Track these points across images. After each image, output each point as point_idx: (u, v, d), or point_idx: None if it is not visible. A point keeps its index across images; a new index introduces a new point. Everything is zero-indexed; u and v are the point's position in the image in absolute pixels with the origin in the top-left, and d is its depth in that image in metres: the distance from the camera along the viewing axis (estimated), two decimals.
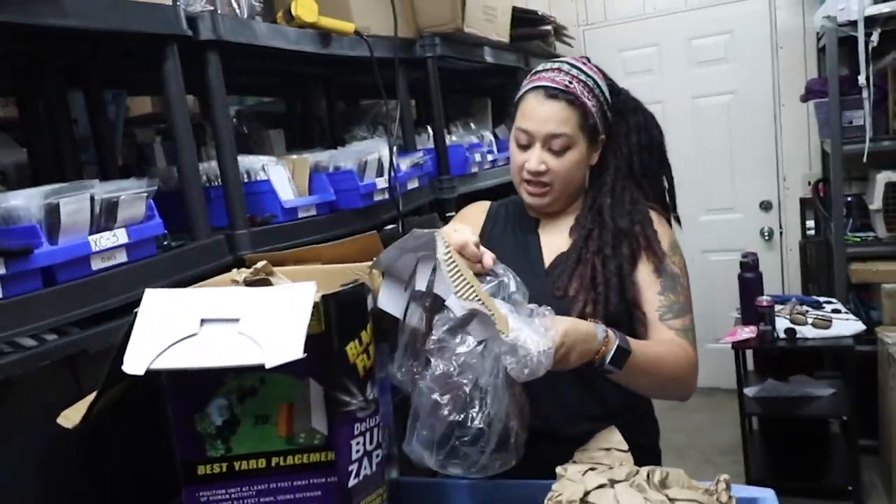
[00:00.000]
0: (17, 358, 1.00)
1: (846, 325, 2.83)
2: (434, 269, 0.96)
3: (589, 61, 1.40)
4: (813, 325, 2.82)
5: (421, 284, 0.98)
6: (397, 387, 1.03)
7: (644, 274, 1.30)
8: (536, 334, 0.90)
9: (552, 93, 1.29)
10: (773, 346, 2.85)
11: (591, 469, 0.87)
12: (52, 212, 1.04)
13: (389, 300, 1.01)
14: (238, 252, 1.35)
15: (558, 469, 0.89)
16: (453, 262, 0.91)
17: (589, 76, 1.33)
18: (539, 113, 1.30)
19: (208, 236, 1.31)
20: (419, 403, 0.94)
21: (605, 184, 1.36)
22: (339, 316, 0.89)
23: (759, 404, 2.98)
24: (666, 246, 1.32)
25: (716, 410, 3.67)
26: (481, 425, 0.89)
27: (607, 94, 1.36)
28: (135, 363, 0.81)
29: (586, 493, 0.82)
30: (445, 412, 0.90)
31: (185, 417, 0.92)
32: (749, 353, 3.10)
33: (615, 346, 1.07)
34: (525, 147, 1.33)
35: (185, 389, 0.92)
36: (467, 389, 0.89)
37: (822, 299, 3.14)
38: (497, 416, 0.89)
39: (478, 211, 1.50)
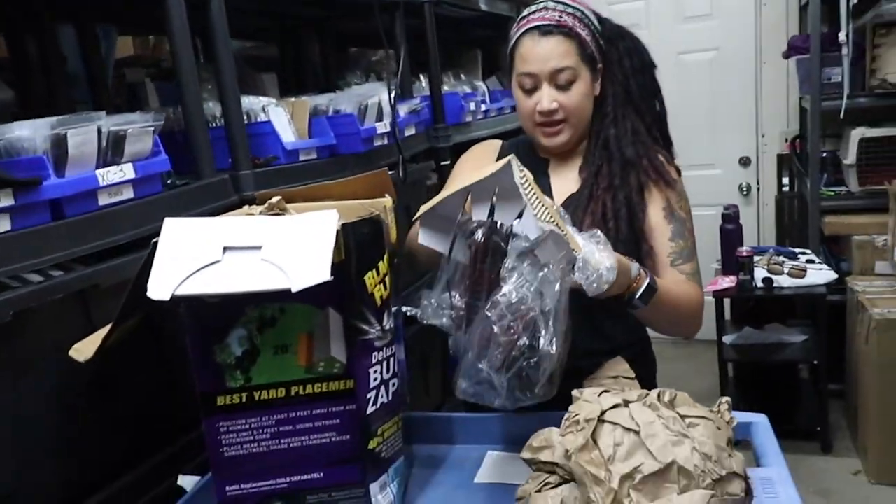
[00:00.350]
0: (25, 292, 0.99)
1: (819, 275, 2.92)
2: (494, 199, 0.97)
3: None
4: (789, 274, 2.91)
5: (480, 215, 0.99)
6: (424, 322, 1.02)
7: (655, 216, 1.33)
8: (601, 252, 0.97)
9: (546, 29, 1.30)
10: (752, 295, 2.94)
11: (606, 391, 0.90)
12: (60, 143, 1.02)
13: (432, 238, 1.03)
14: (242, 192, 1.35)
15: (574, 392, 0.92)
16: (530, 185, 0.94)
17: (576, 8, 1.33)
18: (538, 52, 1.30)
19: (213, 176, 1.30)
20: (481, 334, 0.92)
21: (608, 114, 1.37)
22: (357, 246, 0.91)
23: (736, 351, 3.09)
24: (675, 177, 1.35)
25: (693, 359, 3.78)
26: (549, 348, 0.90)
27: (596, 23, 1.36)
28: (160, 289, 0.81)
29: (602, 412, 0.85)
30: (516, 337, 0.90)
31: (205, 349, 0.92)
32: (726, 303, 3.18)
33: (645, 284, 1.12)
34: (531, 91, 1.33)
35: (203, 320, 0.92)
36: (537, 311, 0.91)
37: (797, 250, 3.22)
38: (560, 340, 0.91)
39: (488, 150, 1.49)
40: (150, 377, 1.21)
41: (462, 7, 2.32)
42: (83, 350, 0.99)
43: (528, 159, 1.45)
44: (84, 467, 1.09)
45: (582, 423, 0.84)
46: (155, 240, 0.88)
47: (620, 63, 1.38)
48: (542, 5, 1.34)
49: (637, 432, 0.83)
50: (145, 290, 0.83)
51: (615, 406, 0.85)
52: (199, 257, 0.84)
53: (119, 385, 1.15)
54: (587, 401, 0.87)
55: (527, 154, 1.46)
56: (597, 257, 0.97)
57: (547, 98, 1.31)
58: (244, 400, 0.93)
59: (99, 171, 1.08)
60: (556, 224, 0.93)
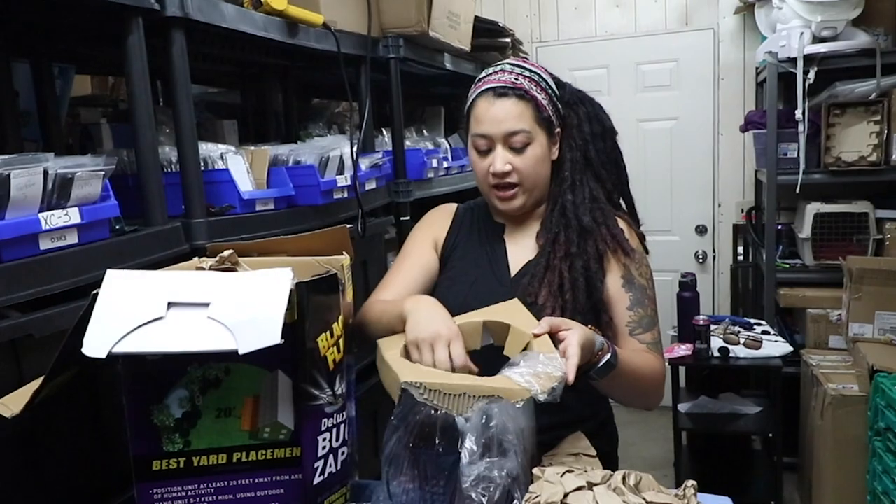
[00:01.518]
0: None
1: (775, 347, 2.94)
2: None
3: (528, 59, 1.41)
4: (745, 345, 2.92)
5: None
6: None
7: (613, 285, 1.32)
8: (545, 373, 0.95)
9: (501, 91, 1.29)
10: (708, 364, 2.94)
11: (568, 471, 0.86)
12: (2, 184, 0.97)
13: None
14: (195, 241, 1.29)
15: (535, 471, 0.88)
16: (430, 392, 0.91)
17: (533, 71, 1.33)
18: (493, 114, 1.29)
19: (164, 223, 1.25)
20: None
21: (565, 179, 1.36)
22: (311, 306, 0.87)
23: (691, 420, 3.07)
24: (634, 247, 1.34)
25: (646, 425, 3.76)
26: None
27: (554, 87, 1.36)
28: (96, 346, 0.76)
29: (565, 495, 0.81)
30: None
31: (142, 409, 0.87)
32: (682, 370, 3.18)
33: (605, 358, 1.12)
34: (485, 152, 1.32)
35: (143, 379, 0.87)
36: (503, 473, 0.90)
37: (752, 321, 3.25)
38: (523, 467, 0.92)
39: (444, 215, 1.48)
40: (82, 436, 1.13)
41: (427, 65, 2.34)
42: (10, 405, 0.92)
43: (484, 224, 1.44)
44: None
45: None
46: (95, 291, 0.82)
47: (580, 128, 1.38)
48: (499, 67, 1.34)
49: None
50: (82, 343, 0.77)
51: (578, 488, 0.82)
52: (141, 313, 0.79)
53: (47, 444, 1.06)
54: (549, 481, 0.84)
55: (483, 218, 1.45)
56: (543, 383, 0.95)
57: (500, 160, 1.30)
58: (182, 465, 0.88)
59: (42, 215, 1.02)
60: (477, 397, 0.92)
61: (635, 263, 1.34)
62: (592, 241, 1.32)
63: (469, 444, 0.89)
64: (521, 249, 1.38)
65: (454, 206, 1.50)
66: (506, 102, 1.29)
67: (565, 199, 1.35)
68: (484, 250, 1.40)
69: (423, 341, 1.04)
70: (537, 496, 0.82)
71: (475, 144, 1.33)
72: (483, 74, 1.35)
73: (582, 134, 1.38)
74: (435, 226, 1.45)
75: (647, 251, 1.41)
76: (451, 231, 1.44)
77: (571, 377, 0.99)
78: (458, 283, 1.37)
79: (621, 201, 1.44)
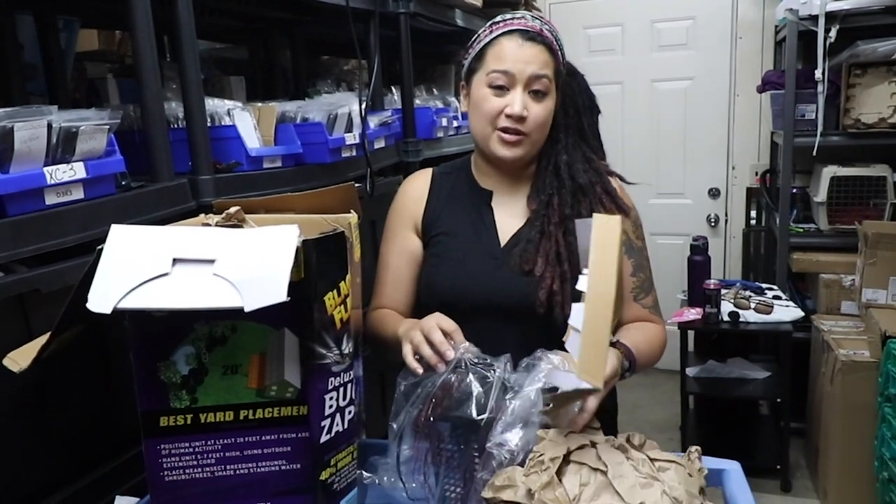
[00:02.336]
0: None
1: (786, 312, 2.92)
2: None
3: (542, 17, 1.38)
4: (755, 309, 2.91)
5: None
6: None
7: None
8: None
9: (530, 35, 1.26)
10: (717, 328, 2.93)
11: (571, 432, 0.86)
12: (5, 137, 0.95)
13: None
14: (201, 198, 1.28)
15: (539, 432, 0.88)
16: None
17: (552, 29, 1.31)
18: (520, 54, 1.25)
19: (171, 179, 1.23)
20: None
21: (559, 140, 1.33)
22: (318, 264, 0.85)
23: (699, 384, 3.07)
24: (629, 204, 1.34)
25: (653, 389, 3.77)
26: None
27: (562, 51, 1.33)
28: (101, 301, 0.75)
29: (569, 452, 0.81)
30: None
31: (149, 366, 0.86)
32: (690, 334, 3.18)
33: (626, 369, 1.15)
34: (501, 90, 1.26)
35: (149, 335, 0.86)
36: None
37: (764, 285, 3.23)
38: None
39: (418, 185, 1.42)
40: (90, 390, 1.13)
41: (438, 21, 2.28)
42: (18, 359, 0.92)
43: (469, 189, 1.39)
44: (13, 483, 1.01)
45: (546, 463, 0.80)
46: (100, 247, 0.81)
47: (573, 98, 1.37)
48: (520, 15, 1.30)
49: (604, 472, 0.80)
50: (87, 299, 0.77)
51: (581, 447, 0.82)
52: (146, 268, 0.78)
53: (55, 398, 1.07)
54: (552, 440, 0.84)
55: (466, 183, 1.40)
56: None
57: (519, 102, 1.24)
58: (189, 422, 0.88)
59: (47, 169, 1.01)
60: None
61: (632, 224, 1.33)
62: (587, 202, 1.29)
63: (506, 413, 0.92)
64: (510, 216, 1.35)
65: (429, 171, 1.45)
66: (535, 47, 1.25)
67: (559, 160, 1.32)
68: (470, 219, 1.36)
69: (418, 342, 1.08)
70: (541, 455, 0.82)
71: (491, 81, 1.26)
72: (500, 18, 1.30)
73: (575, 105, 1.37)
74: (410, 203, 1.40)
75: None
76: (429, 202, 1.39)
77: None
78: (445, 261, 1.33)
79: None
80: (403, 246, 1.39)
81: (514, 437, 0.88)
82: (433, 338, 1.07)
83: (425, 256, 1.38)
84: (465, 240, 1.34)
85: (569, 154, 1.32)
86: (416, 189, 1.42)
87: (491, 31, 1.29)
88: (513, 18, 1.29)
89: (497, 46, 1.27)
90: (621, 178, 1.39)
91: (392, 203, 1.45)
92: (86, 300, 0.76)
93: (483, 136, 1.31)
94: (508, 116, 1.26)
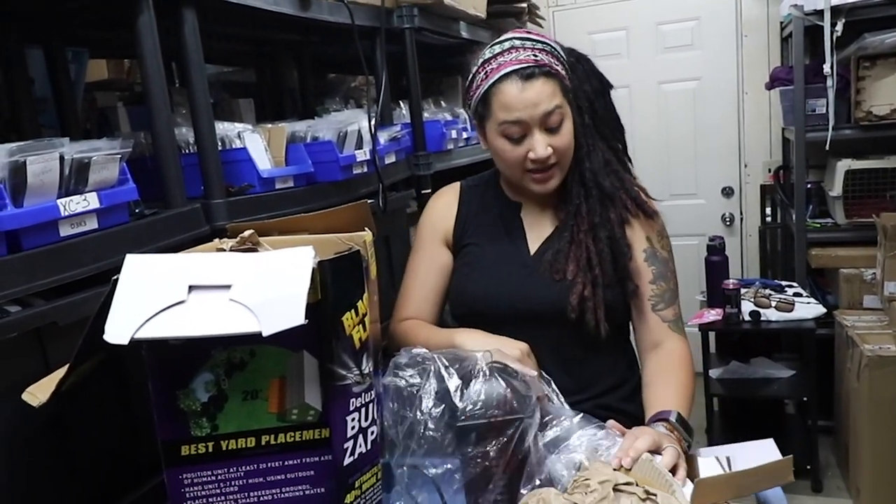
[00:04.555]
0: None
1: (807, 309, 2.89)
2: None
3: (529, 29, 1.35)
4: (776, 308, 2.87)
5: None
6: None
7: (637, 257, 1.30)
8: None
9: (527, 73, 1.22)
10: (739, 329, 2.90)
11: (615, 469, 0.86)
12: (18, 171, 0.95)
13: None
14: (215, 222, 1.28)
15: (581, 459, 0.87)
16: None
17: (545, 42, 1.27)
18: (525, 98, 1.22)
19: (183, 205, 1.23)
20: None
21: (580, 146, 1.31)
22: (335, 284, 0.84)
23: (723, 385, 3.03)
24: (656, 208, 1.33)
25: None
26: None
27: (562, 52, 1.31)
28: (118, 332, 0.75)
29: (617, 484, 0.80)
30: None
31: (167, 394, 0.86)
32: (711, 336, 3.14)
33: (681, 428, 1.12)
34: (519, 139, 1.25)
35: (167, 364, 0.85)
36: None
37: (783, 283, 3.20)
38: None
39: (447, 200, 1.43)
40: (111, 421, 1.13)
41: (443, 34, 2.29)
42: (37, 393, 0.92)
43: (496, 201, 1.40)
44: None
45: (594, 486, 0.79)
46: (115, 277, 0.81)
47: (582, 88, 1.33)
48: (507, 45, 1.25)
49: (654, 501, 0.78)
50: (104, 330, 0.76)
51: (628, 483, 0.81)
52: (162, 297, 0.78)
53: (76, 430, 1.07)
54: (598, 469, 0.83)
55: (494, 195, 1.41)
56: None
57: (541, 145, 1.23)
58: (210, 450, 0.86)
59: (61, 201, 1.01)
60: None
61: (657, 231, 1.32)
62: (615, 209, 1.29)
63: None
64: (538, 226, 1.35)
65: (457, 185, 1.46)
66: (536, 84, 1.22)
67: (583, 167, 1.31)
68: (498, 231, 1.36)
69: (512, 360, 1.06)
70: (587, 479, 0.81)
71: (506, 133, 1.25)
72: (489, 54, 1.26)
73: (586, 94, 1.33)
74: (439, 217, 1.41)
75: None
76: (459, 214, 1.40)
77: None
78: (476, 270, 1.34)
79: (625, 159, 1.40)
80: (433, 258, 1.39)
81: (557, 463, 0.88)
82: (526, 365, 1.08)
83: (455, 266, 1.38)
84: (495, 249, 1.35)
85: (591, 160, 1.31)
86: (445, 203, 1.43)
87: (486, 75, 1.25)
88: (503, 53, 1.24)
89: (499, 95, 1.23)
90: (642, 188, 1.37)
91: (421, 217, 1.46)
92: (103, 331, 0.76)
93: (515, 179, 1.32)
94: (534, 161, 1.25)
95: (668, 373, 1.24)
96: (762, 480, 0.88)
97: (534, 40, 1.26)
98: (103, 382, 1.09)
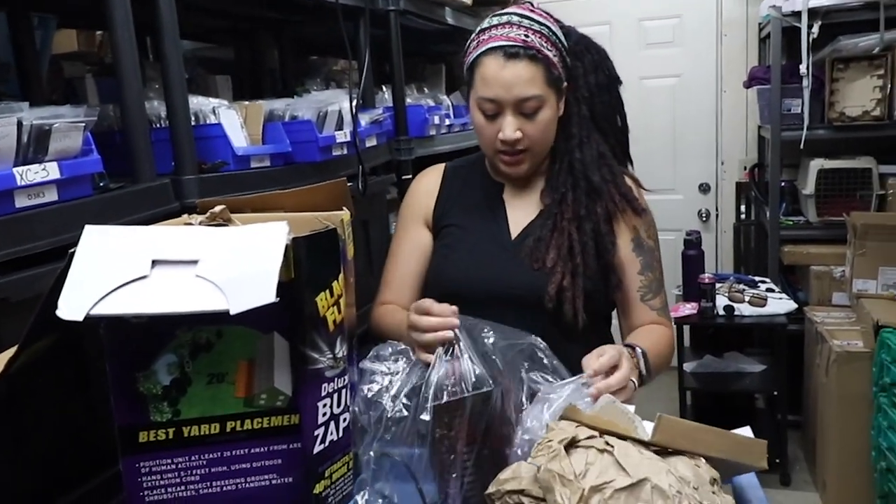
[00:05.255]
0: None
1: (780, 304, 2.91)
2: None
3: (534, 7, 1.30)
4: (750, 302, 2.89)
5: None
6: None
7: (623, 248, 1.29)
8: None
9: (512, 51, 1.19)
10: (713, 323, 2.91)
11: (581, 424, 0.84)
12: None
13: None
14: (185, 199, 1.23)
15: (550, 423, 0.86)
16: None
17: (543, 24, 1.24)
18: (503, 77, 1.19)
19: (152, 180, 1.18)
20: None
21: (573, 136, 1.29)
22: (309, 263, 0.80)
23: (696, 379, 3.05)
24: (643, 206, 1.32)
25: (650, 384, 3.72)
26: None
27: (563, 38, 1.27)
28: (72, 308, 0.70)
29: (577, 439, 0.79)
30: None
31: (127, 377, 0.81)
32: (686, 329, 3.15)
33: (641, 357, 1.16)
34: (492, 117, 1.23)
35: (127, 344, 0.80)
36: None
37: (757, 279, 3.22)
38: None
39: (430, 180, 1.41)
40: (68, 406, 1.07)
41: (428, 19, 2.24)
42: None
43: (481, 182, 1.38)
44: None
45: (555, 447, 0.78)
46: (72, 250, 0.76)
47: (586, 79, 1.30)
48: (505, 19, 1.23)
49: (611, 452, 0.77)
50: (59, 306, 0.71)
51: (590, 437, 0.80)
52: (122, 271, 0.73)
53: (30, 415, 1.01)
54: (562, 429, 0.81)
55: (479, 176, 1.39)
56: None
57: (510, 127, 1.21)
58: (171, 436, 0.82)
59: (17, 170, 0.95)
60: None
61: (644, 225, 1.30)
62: (602, 203, 1.27)
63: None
64: (522, 210, 1.33)
65: (441, 166, 1.43)
66: (517, 65, 1.19)
67: (573, 157, 1.28)
68: (480, 212, 1.34)
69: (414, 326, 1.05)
70: (549, 440, 0.80)
71: (481, 107, 1.24)
72: (486, 24, 1.24)
73: (588, 86, 1.30)
74: (421, 198, 1.39)
75: None
76: (441, 194, 1.38)
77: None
78: (456, 251, 1.32)
79: (622, 156, 1.39)
80: (414, 240, 1.37)
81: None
82: (433, 310, 1.05)
83: (435, 247, 1.35)
84: (475, 231, 1.32)
85: (582, 152, 1.28)
86: (427, 183, 1.41)
87: (477, 45, 1.24)
88: (499, 26, 1.22)
89: (482, 67, 1.22)
90: (635, 180, 1.35)
91: (404, 198, 1.44)
92: (57, 307, 0.71)
93: (490, 156, 1.32)
94: (503, 142, 1.23)
95: (650, 332, 1.27)
96: (732, 450, 0.87)
97: (532, 20, 1.23)
98: (59, 364, 1.04)
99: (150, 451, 0.81)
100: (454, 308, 1.05)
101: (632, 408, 0.90)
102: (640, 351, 1.16)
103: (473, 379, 0.94)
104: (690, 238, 3.05)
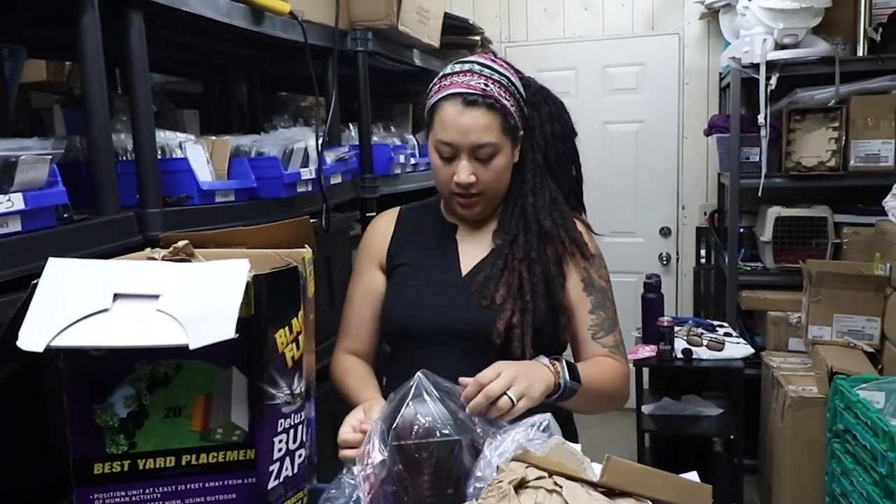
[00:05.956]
0: None
1: (737, 349, 2.96)
2: None
3: (496, 56, 1.36)
4: (707, 346, 2.94)
5: None
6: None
7: (574, 289, 1.31)
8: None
9: (471, 99, 1.23)
10: (671, 365, 2.95)
11: (532, 466, 0.85)
12: None
13: None
14: (148, 232, 1.23)
15: (500, 464, 0.87)
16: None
17: (503, 74, 1.28)
18: (461, 123, 1.24)
19: (116, 212, 1.19)
20: None
21: (526, 181, 1.33)
22: (270, 300, 0.82)
23: (654, 421, 3.08)
24: (592, 251, 1.34)
25: (609, 426, 3.76)
26: None
27: (521, 89, 1.32)
28: (32, 339, 0.71)
29: (527, 480, 0.80)
30: None
31: (84, 408, 0.81)
32: (645, 371, 3.19)
33: (564, 381, 1.14)
34: (449, 159, 1.28)
35: (85, 376, 0.81)
36: None
37: (715, 323, 3.28)
38: None
39: (384, 224, 1.44)
40: (20, 437, 1.06)
41: (396, 60, 2.30)
42: None
43: (434, 223, 1.41)
44: None
45: (504, 487, 0.79)
46: (34, 281, 0.77)
47: (542, 128, 1.35)
48: (467, 67, 1.27)
49: (560, 493, 0.79)
50: (18, 337, 0.72)
51: (539, 477, 0.81)
52: (84, 304, 0.74)
53: None
54: (512, 470, 0.83)
55: (433, 217, 1.42)
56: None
57: (465, 171, 1.26)
58: (126, 469, 0.82)
59: None
60: None
61: (594, 267, 1.33)
62: (552, 246, 1.30)
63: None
64: (473, 248, 1.35)
65: (396, 209, 1.46)
66: (475, 112, 1.23)
67: (526, 202, 1.32)
68: (432, 251, 1.36)
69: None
70: (500, 481, 0.81)
71: (438, 149, 1.28)
72: (449, 70, 1.29)
73: (544, 135, 1.35)
74: (376, 240, 1.42)
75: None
76: (394, 236, 1.40)
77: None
78: (405, 288, 1.34)
79: (574, 203, 1.43)
80: (368, 283, 1.39)
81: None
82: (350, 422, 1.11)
83: (387, 285, 1.37)
84: (425, 269, 1.34)
85: (535, 197, 1.32)
86: (382, 226, 1.43)
87: (438, 90, 1.28)
88: (460, 73, 1.26)
89: (441, 112, 1.26)
90: (586, 224, 1.39)
91: (360, 242, 1.46)
92: (17, 338, 0.72)
93: (444, 197, 1.36)
94: (458, 184, 1.28)
95: (596, 362, 1.28)
96: (678, 494, 0.89)
97: (493, 69, 1.27)
98: (14, 394, 1.03)
99: (104, 482, 0.81)
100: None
101: (578, 446, 0.92)
102: (564, 362, 1.17)
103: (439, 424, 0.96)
104: (650, 281, 3.10)
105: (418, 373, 1.01)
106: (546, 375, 1.12)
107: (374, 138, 2.27)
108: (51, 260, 0.77)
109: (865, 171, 3.04)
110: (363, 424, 1.09)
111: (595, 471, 0.86)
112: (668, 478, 0.89)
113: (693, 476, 0.96)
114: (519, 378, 1.06)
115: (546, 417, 0.98)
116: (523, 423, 0.99)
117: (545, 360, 1.16)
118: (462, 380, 1.06)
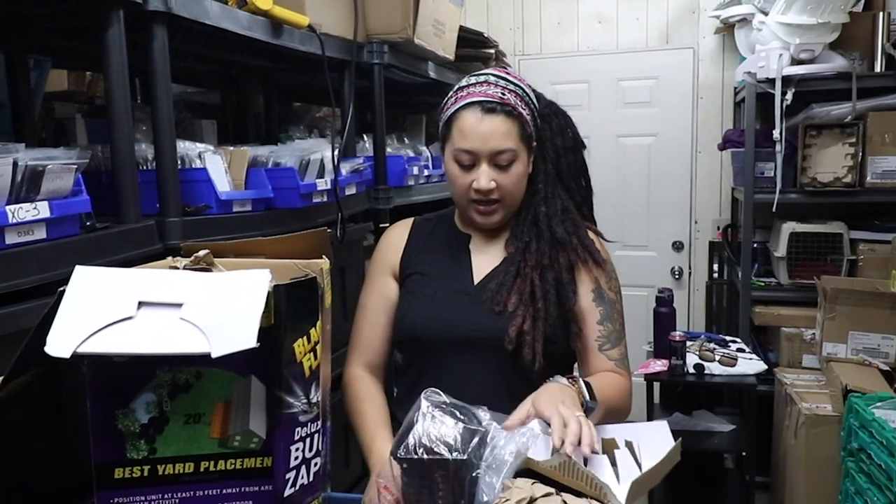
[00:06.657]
0: None
1: (750, 364, 2.94)
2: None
3: (509, 70, 1.39)
4: (720, 362, 2.93)
5: None
6: None
7: (584, 298, 1.32)
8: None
9: (490, 107, 1.26)
10: (683, 380, 2.94)
11: (537, 482, 0.86)
12: None
13: None
14: (168, 241, 1.26)
15: (506, 481, 0.87)
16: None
17: (517, 85, 1.32)
18: (481, 130, 1.26)
19: (137, 221, 1.21)
20: None
21: (538, 191, 1.36)
22: (289, 310, 0.83)
23: None
24: (604, 258, 1.35)
25: None
26: None
27: (535, 100, 1.35)
28: (60, 345, 0.72)
29: (534, 499, 0.81)
30: None
31: (106, 414, 0.83)
32: (656, 386, 3.18)
33: (583, 386, 1.15)
34: (468, 167, 1.29)
35: (108, 382, 0.82)
36: None
37: (727, 338, 3.26)
38: None
39: (398, 233, 1.46)
40: (42, 441, 1.08)
41: (411, 72, 2.32)
42: None
43: (448, 234, 1.42)
44: None
45: None
46: (62, 288, 0.79)
47: (553, 141, 1.38)
48: (483, 78, 1.31)
49: None
50: (45, 343, 0.73)
51: (547, 494, 0.82)
52: (109, 312, 0.76)
53: (2, 448, 1.01)
54: (519, 487, 0.83)
55: (447, 228, 1.43)
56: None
57: (485, 177, 1.27)
58: (146, 474, 0.83)
59: (10, 208, 0.99)
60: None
61: (605, 276, 1.34)
62: (564, 253, 1.32)
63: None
64: (486, 257, 1.37)
65: (410, 220, 1.48)
66: (494, 119, 1.26)
67: (538, 210, 1.34)
68: (445, 260, 1.38)
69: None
70: (507, 500, 0.81)
71: (458, 158, 1.30)
72: (465, 83, 1.32)
73: (555, 146, 1.38)
74: (389, 250, 1.43)
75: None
76: (408, 246, 1.42)
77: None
78: (418, 297, 1.35)
79: (587, 213, 1.44)
80: (381, 291, 1.40)
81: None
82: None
83: (400, 294, 1.39)
84: (438, 277, 1.36)
85: (548, 205, 1.34)
86: (395, 236, 1.44)
87: (455, 101, 1.31)
88: (476, 84, 1.29)
89: (459, 120, 1.28)
90: (597, 233, 1.40)
91: (373, 252, 1.47)
92: (44, 344, 0.73)
93: (461, 206, 1.36)
94: (477, 191, 1.29)
95: (602, 377, 1.28)
96: (664, 468, 0.91)
97: (508, 80, 1.31)
98: (35, 398, 1.05)
99: (124, 486, 0.82)
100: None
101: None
102: (582, 382, 1.17)
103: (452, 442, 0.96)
104: (662, 295, 3.09)
105: (422, 395, 1.01)
106: (572, 395, 1.12)
107: (388, 150, 2.29)
108: (77, 268, 0.79)
109: (882, 188, 3.02)
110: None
111: (614, 494, 0.86)
112: (660, 464, 0.95)
113: (664, 426, 1.00)
114: (564, 402, 1.05)
115: (533, 423, 0.99)
116: (514, 433, 0.98)
117: (563, 381, 1.16)
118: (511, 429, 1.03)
